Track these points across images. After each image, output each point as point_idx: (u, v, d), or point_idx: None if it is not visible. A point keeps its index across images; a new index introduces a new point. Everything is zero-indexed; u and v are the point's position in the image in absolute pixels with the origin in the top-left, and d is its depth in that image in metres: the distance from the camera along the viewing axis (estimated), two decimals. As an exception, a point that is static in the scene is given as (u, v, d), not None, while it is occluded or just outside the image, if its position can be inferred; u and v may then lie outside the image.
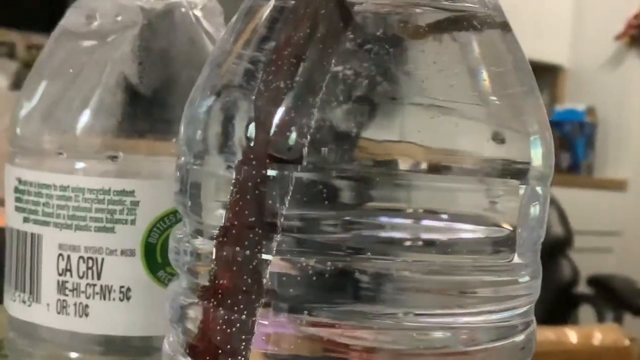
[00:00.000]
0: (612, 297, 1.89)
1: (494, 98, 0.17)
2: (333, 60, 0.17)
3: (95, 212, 0.23)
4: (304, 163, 0.16)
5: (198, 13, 0.25)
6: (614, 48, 2.46)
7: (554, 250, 1.88)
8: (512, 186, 0.17)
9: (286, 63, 0.17)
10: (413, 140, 0.16)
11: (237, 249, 0.17)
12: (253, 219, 0.17)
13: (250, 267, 0.17)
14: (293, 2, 0.18)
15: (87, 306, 0.24)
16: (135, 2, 0.25)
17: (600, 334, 0.75)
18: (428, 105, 0.16)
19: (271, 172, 0.16)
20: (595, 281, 1.95)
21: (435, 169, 0.16)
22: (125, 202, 0.23)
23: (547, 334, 0.76)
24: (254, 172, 0.17)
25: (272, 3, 0.18)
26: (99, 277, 0.24)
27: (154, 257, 0.24)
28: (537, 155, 0.18)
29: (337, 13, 0.18)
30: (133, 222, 0.23)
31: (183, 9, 0.25)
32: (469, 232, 0.16)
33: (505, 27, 0.18)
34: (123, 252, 0.24)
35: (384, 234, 0.16)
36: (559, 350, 0.73)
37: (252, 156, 0.17)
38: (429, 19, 0.18)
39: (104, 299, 0.24)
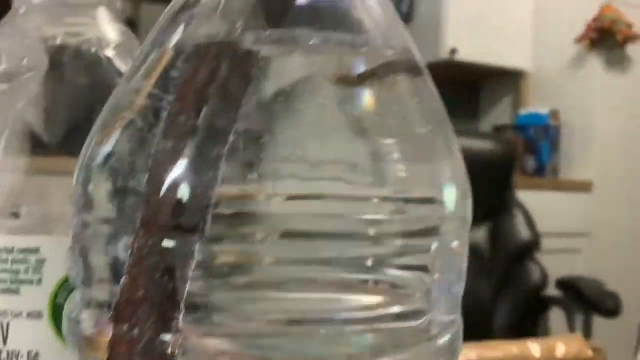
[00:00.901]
0: (581, 300, 1.90)
1: (397, 150, 0.16)
2: (238, 113, 0.16)
3: (-2, 273, 0.22)
4: (207, 230, 0.14)
5: (110, 53, 0.24)
6: (575, 51, 2.48)
7: (522, 254, 1.88)
8: (422, 244, 0.16)
9: (184, 116, 0.16)
10: (302, 207, 0.15)
11: (131, 327, 0.15)
12: (149, 294, 0.15)
13: (146, 347, 0.15)
14: (192, 48, 0.17)
15: (-7, 373, 0.22)
16: (42, 43, 0.23)
17: (564, 346, 0.75)
18: (319, 162, 0.15)
19: (168, 242, 0.15)
20: (564, 284, 1.95)
21: (328, 234, 0.15)
22: (30, 260, 0.22)
23: (510, 349, 0.75)
24: (149, 241, 0.15)
25: (169, 50, 0.17)
26: (4, 342, 0.22)
27: (62, 319, 0.22)
28: (450, 205, 0.16)
29: (242, 60, 0.17)
30: (39, 282, 0.22)
31: (93, 49, 0.24)
32: (370, 306, 0.15)
33: (414, 70, 0.17)
34: (30, 315, 0.22)
35: (277, 313, 0.14)
36: (523, 364, 0.72)
37: (146, 223, 0.15)
38: (336, 63, 0.16)
39: (12, 365, 0.22)
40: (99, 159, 0.16)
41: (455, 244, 0.17)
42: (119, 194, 0.16)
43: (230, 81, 0.16)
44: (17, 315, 0.22)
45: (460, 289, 0.17)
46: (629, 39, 2.40)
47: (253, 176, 0.15)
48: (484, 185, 1.80)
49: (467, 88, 2.77)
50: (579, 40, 2.43)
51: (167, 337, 0.15)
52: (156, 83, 0.17)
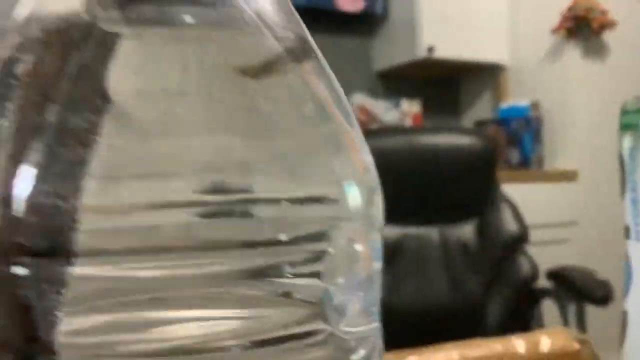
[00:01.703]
0: (572, 290, 1.89)
1: (281, 145, 0.14)
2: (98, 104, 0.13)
3: None
4: (70, 251, 0.12)
5: None
6: (552, 42, 2.48)
7: (511, 247, 1.88)
8: (314, 250, 0.14)
9: (30, 115, 0.13)
10: (171, 215, 0.13)
11: None
12: (6, 336, 0.13)
13: None
14: (39, 31, 0.14)
15: None
16: None
17: (549, 340, 0.73)
18: (190, 163, 0.13)
19: (18, 270, 0.12)
20: (555, 275, 1.94)
21: (201, 244, 0.13)
22: None
23: (495, 346, 0.74)
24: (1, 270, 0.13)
25: (13, 34, 0.14)
26: None
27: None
28: (349, 204, 0.14)
29: (100, 44, 0.14)
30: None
31: None
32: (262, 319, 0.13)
33: (305, 53, 0.15)
34: None
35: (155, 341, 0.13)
36: (508, 361, 0.71)
37: None
38: (216, 46, 0.14)
39: None
40: None
41: (358, 247, 0.15)
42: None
43: (87, 71, 0.14)
44: None
45: (372, 297, 0.16)
46: (604, 26, 2.41)
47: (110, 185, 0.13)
48: (468, 181, 1.79)
49: (446, 85, 2.77)
50: (555, 30, 2.43)
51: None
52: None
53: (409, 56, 2.46)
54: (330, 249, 0.14)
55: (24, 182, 0.12)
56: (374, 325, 0.16)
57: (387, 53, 2.56)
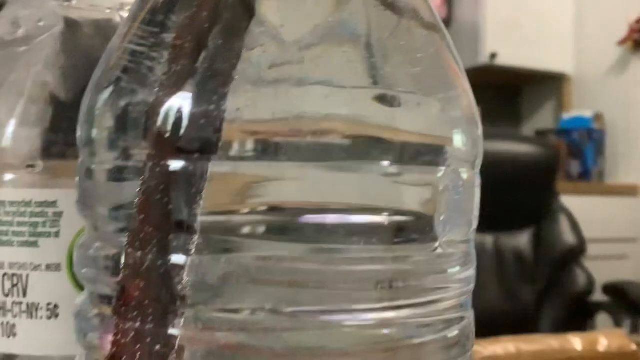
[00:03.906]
0: (628, 304, 1.86)
1: (408, 70, 0.16)
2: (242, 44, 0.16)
3: (17, 226, 0.22)
4: (218, 154, 0.15)
5: (126, 14, 0.24)
6: (618, 53, 2.43)
7: (568, 259, 1.85)
8: (427, 169, 0.15)
9: (188, 45, 0.16)
10: (305, 119, 0.15)
11: (145, 255, 0.15)
12: (161, 221, 0.15)
13: (160, 274, 0.15)
14: None
15: (14, 325, 0.22)
16: (56, 7, 0.24)
17: (606, 340, 0.72)
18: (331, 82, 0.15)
19: (177, 166, 0.15)
20: (611, 289, 1.91)
21: (329, 152, 0.14)
22: (47, 213, 0.22)
23: (550, 342, 0.74)
24: (159, 169, 0.15)
25: None
26: (24, 295, 0.22)
27: (80, 270, 0.22)
28: (458, 135, 0.16)
29: None
30: (57, 234, 0.22)
31: (107, 11, 0.24)
32: (374, 222, 0.15)
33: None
34: (48, 267, 0.22)
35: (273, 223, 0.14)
36: (563, 358, 0.71)
37: (156, 151, 0.15)
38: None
39: (32, 317, 0.22)
40: (101, 102, 0.17)
41: (462, 171, 0.16)
42: (119, 130, 0.16)
43: (233, 20, 0.16)
44: (36, 267, 0.22)
45: (469, 223, 0.17)
46: (674, 39, 2.35)
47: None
48: (527, 189, 1.77)
49: (508, 92, 2.74)
50: (622, 42, 2.39)
51: (181, 262, 0.15)
52: (154, 23, 0.17)
53: (470, 62, 2.45)
54: (442, 170, 0.15)
55: (180, 104, 0.15)
56: (470, 246, 0.17)
57: (449, 59, 2.55)
